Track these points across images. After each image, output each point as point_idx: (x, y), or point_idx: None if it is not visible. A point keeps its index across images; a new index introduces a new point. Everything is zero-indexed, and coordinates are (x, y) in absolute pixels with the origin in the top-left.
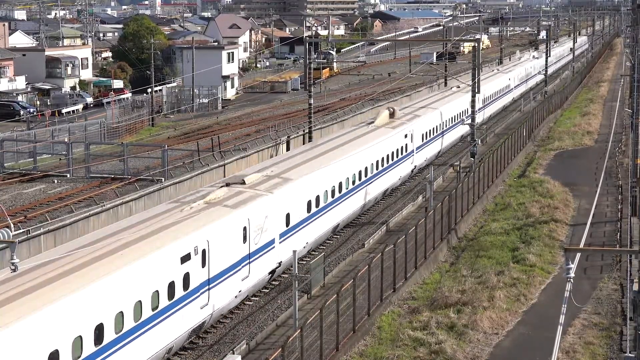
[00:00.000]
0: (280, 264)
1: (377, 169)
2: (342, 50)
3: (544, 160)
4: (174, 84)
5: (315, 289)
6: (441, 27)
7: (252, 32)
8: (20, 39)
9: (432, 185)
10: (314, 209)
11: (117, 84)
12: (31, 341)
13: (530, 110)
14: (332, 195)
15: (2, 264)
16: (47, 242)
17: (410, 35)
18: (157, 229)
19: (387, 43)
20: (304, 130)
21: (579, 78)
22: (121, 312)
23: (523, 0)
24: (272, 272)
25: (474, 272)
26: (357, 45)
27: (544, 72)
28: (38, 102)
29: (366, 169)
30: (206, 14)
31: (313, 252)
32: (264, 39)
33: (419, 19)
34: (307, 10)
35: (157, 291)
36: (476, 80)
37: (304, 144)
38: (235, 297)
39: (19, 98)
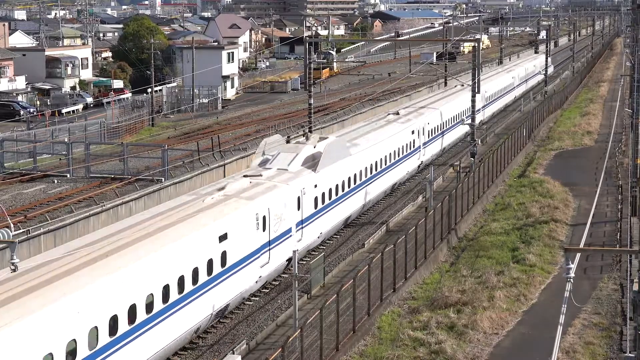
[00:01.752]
0: None
1: (203, 276)
2: (342, 50)
3: (544, 160)
4: (174, 84)
5: (315, 289)
6: (448, 25)
7: (252, 32)
8: (20, 39)
9: (432, 185)
10: None
11: (117, 84)
12: None
13: (530, 110)
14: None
15: (2, 264)
16: (47, 242)
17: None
18: None
19: (387, 43)
20: (304, 131)
21: (579, 78)
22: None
23: (523, 0)
24: None
25: (474, 272)
26: (356, 45)
27: (544, 78)
28: (38, 102)
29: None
30: (206, 14)
31: (313, 252)
32: (264, 39)
33: (419, 19)
34: (307, 10)
35: None
36: (476, 80)
37: None
38: None
39: (19, 98)
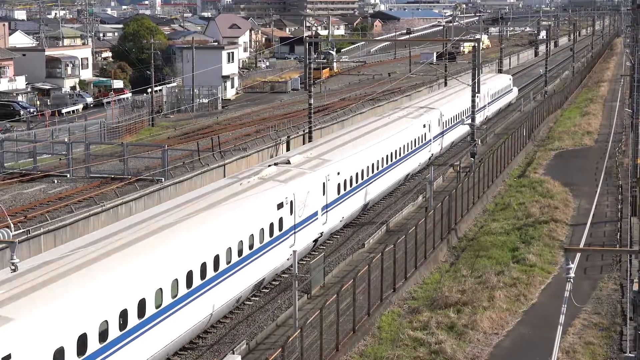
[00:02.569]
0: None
1: None
2: (342, 50)
3: (544, 160)
4: (174, 84)
5: (315, 289)
6: (448, 25)
7: (252, 32)
8: (20, 39)
9: (432, 185)
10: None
11: (117, 84)
12: None
13: (530, 110)
14: None
15: (2, 264)
16: (47, 242)
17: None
18: None
19: (387, 43)
20: (304, 131)
21: (579, 78)
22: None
23: (523, 0)
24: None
25: (474, 272)
26: (356, 45)
27: (544, 77)
28: (38, 102)
29: None
30: (206, 14)
31: (313, 252)
32: (264, 39)
33: (419, 19)
34: (307, 10)
35: None
36: (475, 80)
37: (304, 144)
38: None
39: (19, 98)
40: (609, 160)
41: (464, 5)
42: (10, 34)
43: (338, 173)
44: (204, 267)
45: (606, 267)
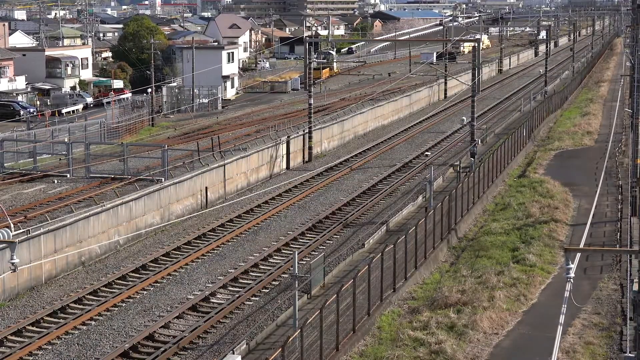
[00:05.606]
0: None
1: None
2: (341, 50)
3: (544, 160)
4: (174, 84)
5: (315, 289)
6: (452, 25)
7: (252, 32)
8: (20, 39)
9: (432, 185)
10: None
11: (117, 84)
12: None
13: (530, 110)
14: None
15: (2, 264)
16: (47, 242)
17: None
18: None
19: (387, 43)
20: (303, 131)
21: (579, 78)
22: None
23: (523, 0)
24: None
25: (474, 272)
26: (357, 45)
27: (545, 77)
28: (38, 102)
29: None
30: (206, 14)
31: (313, 252)
32: (264, 39)
33: (419, 19)
34: (307, 10)
35: None
36: (476, 79)
37: (303, 144)
38: None
39: (19, 98)
40: (609, 160)
41: (464, 5)
42: (10, 34)
43: None
44: None
45: (606, 267)
